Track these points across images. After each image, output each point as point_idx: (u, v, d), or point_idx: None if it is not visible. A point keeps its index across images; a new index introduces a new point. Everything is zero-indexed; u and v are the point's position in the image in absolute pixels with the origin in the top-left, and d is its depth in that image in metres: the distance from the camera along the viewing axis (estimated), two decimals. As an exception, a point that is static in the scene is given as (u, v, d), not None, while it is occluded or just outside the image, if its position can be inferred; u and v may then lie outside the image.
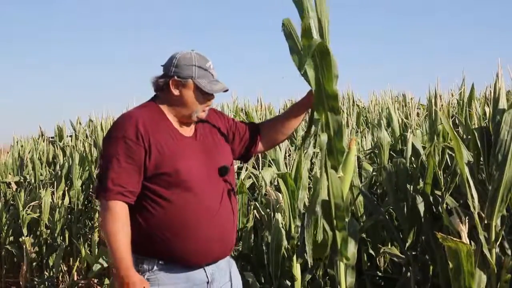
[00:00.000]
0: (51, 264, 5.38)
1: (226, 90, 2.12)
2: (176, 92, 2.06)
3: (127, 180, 1.96)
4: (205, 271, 2.08)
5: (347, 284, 2.17)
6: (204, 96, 2.08)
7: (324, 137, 1.95)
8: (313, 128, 2.03)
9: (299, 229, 3.11)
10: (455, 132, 2.33)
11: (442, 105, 3.19)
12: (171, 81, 2.05)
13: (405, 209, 3.07)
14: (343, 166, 2.01)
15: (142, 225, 2.01)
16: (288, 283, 3.10)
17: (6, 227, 5.72)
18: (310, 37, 1.86)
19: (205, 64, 2.07)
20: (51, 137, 8.11)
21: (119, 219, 1.95)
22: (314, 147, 4.61)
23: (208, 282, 2.08)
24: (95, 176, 5.66)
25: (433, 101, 3.14)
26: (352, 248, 2.14)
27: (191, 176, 2.01)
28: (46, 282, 5.28)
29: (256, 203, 3.56)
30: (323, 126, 1.96)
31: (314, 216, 2.00)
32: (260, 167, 4.16)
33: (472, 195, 2.30)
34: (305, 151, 3.02)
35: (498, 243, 2.31)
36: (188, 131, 2.13)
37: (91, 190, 5.59)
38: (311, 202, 2.02)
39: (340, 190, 1.97)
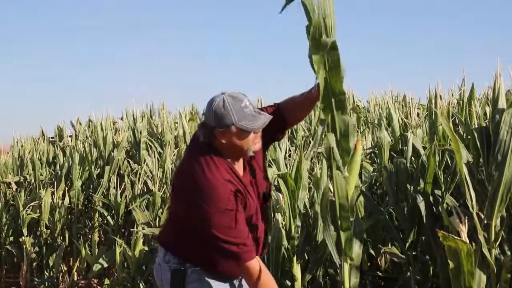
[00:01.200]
0: (51, 264, 5.38)
1: (267, 120, 2.16)
2: (224, 140, 2.12)
3: (248, 236, 2.13)
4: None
5: (351, 285, 2.17)
6: (250, 133, 2.13)
7: (331, 138, 1.94)
8: (320, 128, 2.02)
9: (299, 229, 3.11)
10: (454, 134, 2.33)
11: (442, 105, 3.19)
12: (215, 132, 2.12)
13: (405, 209, 3.07)
14: (349, 166, 2.01)
15: (197, 247, 2.18)
16: (288, 283, 3.10)
17: (6, 227, 5.72)
18: (319, 36, 1.86)
19: (241, 104, 2.10)
20: (51, 137, 8.11)
21: (264, 273, 2.15)
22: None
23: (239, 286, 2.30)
24: (95, 176, 5.66)
25: (433, 101, 3.14)
26: (357, 248, 2.14)
27: (249, 212, 2.19)
28: (46, 282, 5.29)
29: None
30: (329, 126, 1.96)
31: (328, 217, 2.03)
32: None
33: (470, 195, 2.30)
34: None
35: (497, 243, 2.30)
36: (241, 168, 2.25)
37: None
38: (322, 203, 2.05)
39: (345, 191, 1.97)
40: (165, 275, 2.23)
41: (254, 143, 2.15)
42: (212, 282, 2.21)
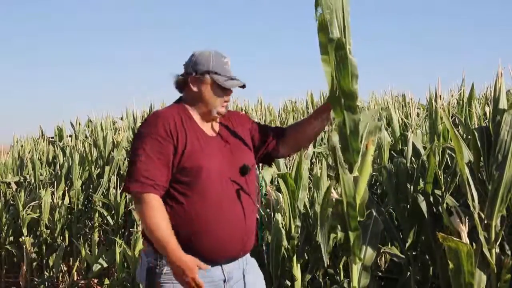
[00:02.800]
0: (51, 264, 5.38)
1: (243, 86, 2.17)
2: (194, 88, 2.13)
3: (158, 174, 2.01)
4: (222, 269, 2.10)
5: (360, 285, 2.12)
6: (222, 91, 2.13)
7: (335, 138, 1.94)
8: (327, 127, 2.02)
9: (299, 229, 3.11)
10: (456, 132, 2.33)
11: (442, 105, 3.19)
12: (189, 78, 2.13)
13: (405, 209, 3.07)
14: (360, 166, 2.00)
15: None
16: (288, 283, 3.10)
17: (6, 227, 5.71)
18: (326, 33, 1.85)
19: (222, 59, 2.13)
20: (51, 137, 8.12)
21: (158, 209, 1.99)
22: (314, 147, 4.62)
23: (224, 281, 2.11)
24: (95, 176, 5.67)
25: (433, 101, 3.14)
26: (370, 250, 2.09)
27: (212, 174, 2.05)
28: (46, 282, 5.29)
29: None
30: (340, 125, 1.95)
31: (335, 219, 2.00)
32: (261, 167, 4.16)
33: (472, 195, 2.30)
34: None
35: (498, 243, 2.30)
36: (212, 131, 2.18)
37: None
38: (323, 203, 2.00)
39: (352, 190, 1.96)
40: (142, 271, 2.12)
41: (221, 104, 2.15)
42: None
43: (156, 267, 2.04)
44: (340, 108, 1.93)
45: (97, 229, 5.49)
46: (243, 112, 6.90)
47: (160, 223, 1.98)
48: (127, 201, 5.00)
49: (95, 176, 5.68)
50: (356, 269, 2.06)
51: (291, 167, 3.21)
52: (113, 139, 5.87)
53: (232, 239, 2.08)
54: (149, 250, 2.09)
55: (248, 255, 2.23)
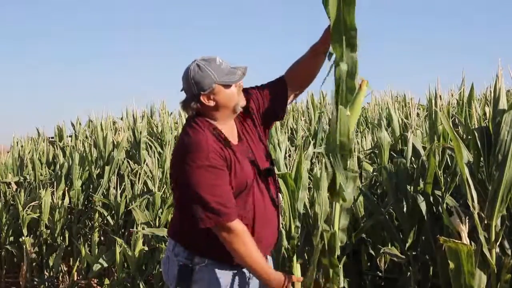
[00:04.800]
0: (51, 264, 5.38)
1: (245, 71, 2.17)
2: (211, 103, 2.13)
3: (231, 199, 2.06)
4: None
5: (340, 226, 2.19)
6: (233, 86, 2.14)
7: (344, 67, 1.93)
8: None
9: (299, 229, 3.11)
10: (455, 133, 2.33)
11: (442, 105, 3.19)
12: (201, 98, 2.11)
13: (405, 209, 3.07)
14: (351, 105, 2.00)
15: (197, 227, 2.07)
16: (288, 283, 3.10)
17: (6, 227, 5.71)
18: None
19: (215, 63, 2.13)
20: (51, 137, 8.11)
21: (247, 234, 2.06)
22: (315, 147, 4.62)
23: (249, 278, 2.20)
24: (95, 176, 5.66)
25: (433, 101, 3.14)
26: (350, 191, 2.12)
27: (249, 183, 2.13)
28: (46, 282, 5.29)
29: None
30: (337, 60, 1.94)
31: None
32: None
33: (472, 195, 2.30)
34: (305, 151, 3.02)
35: (498, 243, 2.31)
36: (235, 137, 2.21)
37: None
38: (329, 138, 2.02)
39: (347, 128, 1.97)
40: (172, 270, 2.18)
41: (239, 96, 2.17)
42: (221, 281, 2.14)
43: (188, 266, 2.13)
44: (340, 44, 1.92)
45: (97, 229, 5.49)
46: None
47: (254, 248, 2.06)
48: (127, 201, 5.00)
49: (95, 176, 5.68)
50: (338, 209, 2.14)
51: (291, 167, 3.21)
52: (113, 139, 5.87)
53: (264, 241, 2.18)
54: (179, 250, 2.17)
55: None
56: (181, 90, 2.17)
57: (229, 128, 2.19)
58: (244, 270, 2.18)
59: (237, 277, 2.18)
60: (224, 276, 2.15)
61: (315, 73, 2.35)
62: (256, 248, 2.07)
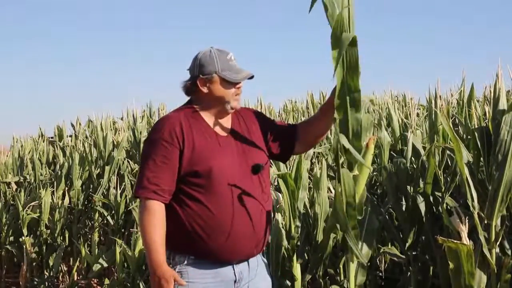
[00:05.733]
0: (51, 264, 5.38)
1: (252, 77, 2.18)
2: (204, 89, 2.14)
3: (162, 178, 2.05)
4: (234, 269, 2.12)
5: (357, 283, 2.15)
6: (232, 85, 2.15)
7: (343, 140, 1.93)
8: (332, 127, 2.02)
9: (299, 229, 3.11)
10: (455, 134, 2.34)
11: (442, 105, 3.19)
12: (198, 81, 2.14)
13: (405, 209, 3.07)
14: (359, 165, 1.99)
15: (176, 222, 2.08)
16: (288, 283, 3.10)
17: (6, 227, 5.71)
18: (341, 31, 1.85)
19: (226, 56, 2.15)
20: (51, 137, 8.12)
21: (154, 215, 2.04)
22: (314, 147, 4.62)
23: (235, 281, 2.12)
24: (95, 176, 5.67)
25: (433, 101, 3.14)
26: (366, 247, 2.10)
27: (224, 174, 2.07)
28: (46, 282, 5.28)
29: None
30: (341, 123, 1.95)
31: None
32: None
33: (472, 195, 2.30)
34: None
35: (498, 243, 2.31)
36: (224, 130, 2.19)
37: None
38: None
39: (352, 189, 1.95)
40: None
41: (234, 98, 2.16)
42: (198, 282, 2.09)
43: (169, 265, 2.07)
44: (345, 107, 1.93)
45: (97, 229, 5.49)
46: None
47: (153, 230, 2.03)
48: (127, 201, 5.00)
49: (95, 176, 5.68)
50: (353, 267, 2.08)
51: (291, 167, 3.21)
52: (113, 139, 5.88)
53: (244, 238, 2.10)
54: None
55: (260, 255, 2.24)
56: (187, 69, 2.20)
57: (215, 121, 2.17)
58: (229, 271, 2.11)
59: (218, 281, 2.09)
60: (205, 277, 2.09)
61: (324, 133, 2.38)
62: (160, 233, 2.02)
